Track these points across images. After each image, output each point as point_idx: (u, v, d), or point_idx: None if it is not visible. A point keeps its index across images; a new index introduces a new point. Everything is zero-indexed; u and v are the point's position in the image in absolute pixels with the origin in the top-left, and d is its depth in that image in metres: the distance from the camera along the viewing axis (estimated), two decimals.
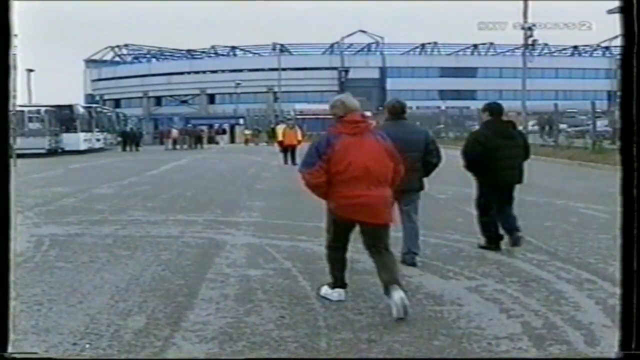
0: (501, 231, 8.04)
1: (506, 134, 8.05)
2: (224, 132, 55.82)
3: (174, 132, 48.96)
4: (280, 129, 26.91)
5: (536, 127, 36.58)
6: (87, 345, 4.57)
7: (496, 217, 8.03)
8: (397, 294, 5.13)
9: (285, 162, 24.36)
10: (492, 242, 7.97)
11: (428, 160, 7.24)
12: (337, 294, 5.71)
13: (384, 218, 5.53)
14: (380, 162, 5.43)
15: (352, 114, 5.48)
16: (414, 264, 7.11)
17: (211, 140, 54.64)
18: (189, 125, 55.78)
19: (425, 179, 7.37)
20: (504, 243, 7.95)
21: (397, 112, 7.36)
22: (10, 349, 3.24)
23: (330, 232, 5.78)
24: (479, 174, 8.10)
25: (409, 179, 6.42)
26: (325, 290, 5.81)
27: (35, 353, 4.35)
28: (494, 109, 8.21)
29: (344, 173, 5.32)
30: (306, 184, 5.49)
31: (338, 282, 5.77)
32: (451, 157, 9.80)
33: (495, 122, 8.13)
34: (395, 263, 5.73)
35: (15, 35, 2.99)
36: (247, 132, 60.15)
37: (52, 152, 36.22)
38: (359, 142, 5.38)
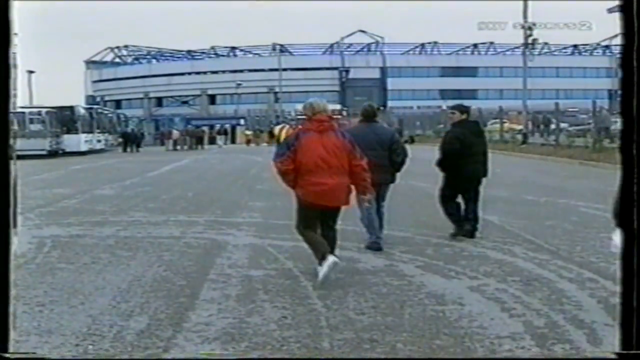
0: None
1: (477, 131, 9.01)
2: (225, 132, 55.79)
3: (175, 133, 48.96)
4: (281, 129, 26.89)
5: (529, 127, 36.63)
6: (90, 347, 4.57)
7: (460, 209, 8.74)
8: (331, 258, 6.22)
9: None
10: (462, 230, 8.62)
11: (393, 159, 8.17)
12: (329, 262, 6.24)
13: (342, 202, 6.60)
14: (339, 155, 6.40)
15: (319, 114, 6.48)
16: (379, 248, 7.98)
17: (212, 141, 54.64)
18: (190, 125, 55.81)
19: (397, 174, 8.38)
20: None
21: (369, 115, 8.40)
22: (10, 349, 3.24)
23: (300, 216, 6.63)
24: (451, 169, 8.67)
25: (380, 173, 7.71)
26: (320, 271, 6.27)
27: (34, 353, 4.35)
28: (466, 109, 8.99)
29: (308, 163, 6.31)
30: (277, 171, 6.51)
31: (323, 255, 6.32)
32: None
33: (467, 121, 8.91)
34: (336, 239, 6.75)
35: (16, 34, 2.99)
36: (248, 132, 60.17)
37: (53, 154, 36.21)
38: (322, 138, 6.39)
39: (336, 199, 6.50)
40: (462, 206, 8.85)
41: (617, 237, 4.85)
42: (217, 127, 61.48)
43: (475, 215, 8.83)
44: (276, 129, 15.67)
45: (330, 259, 6.22)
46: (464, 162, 8.55)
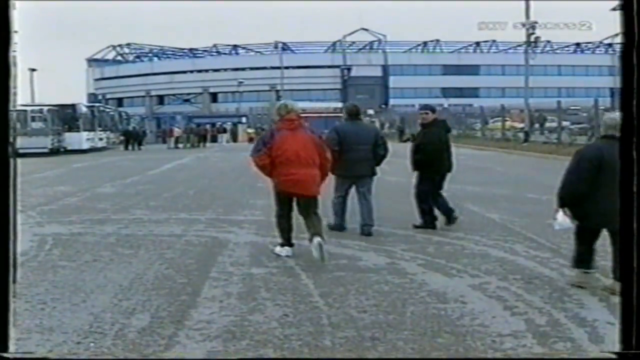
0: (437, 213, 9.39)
1: (448, 129, 9.71)
2: (224, 130, 55.78)
3: (177, 131, 48.94)
4: None
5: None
6: (91, 344, 4.58)
7: (432, 203, 9.35)
8: (316, 239, 7.02)
9: None
10: (430, 224, 9.26)
11: (377, 152, 9.08)
12: (285, 251, 7.52)
13: (312, 191, 7.41)
14: (308, 150, 7.29)
15: (290, 114, 7.39)
16: (370, 234, 8.83)
17: (213, 139, 54.66)
18: (191, 124, 55.78)
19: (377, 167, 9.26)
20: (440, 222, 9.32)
21: (354, 113, 9.35)
22: (11, 349, 3.24)
23: (277, 204, 7.60)
24: (429, 166, 9.21)
25: (364, 166, 8.93)
26: (278, 249, 7.62)
27: (32, 353, 4.35)
28: (435, 109, 9.78)
29: (282, 157, 7.19)
30: (255, 164, 7.42)
31: (286, 242, 7.59)
32: (452, 154, 9.77)
33: (438, 120, 9.61)
34: (320, 223, 7.47)
35: (16, 32, 2.98)
36: (249, 130, 60.15)
37: (55, 152, 36.20)
38: (293, 135, 7.28)
39: (306, 188, 7.34)
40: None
41: (559, 216, 6.04)
42: (219, 124, 61.49)
43: (446, 202, 9.45)
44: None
45: (315, 240, 7.05)
46: (439, 158, 9.22)
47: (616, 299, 5.38)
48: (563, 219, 6.05)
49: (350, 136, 8.89)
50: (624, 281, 3.10)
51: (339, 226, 9.12)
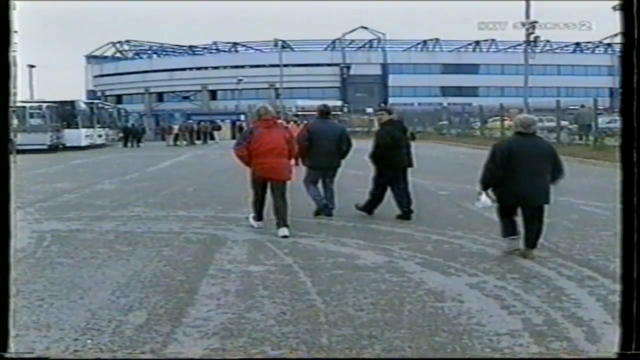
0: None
1: (403, 129, 10.55)
2: (219, 128, 55.57)
3: (176, 128, 48.87)
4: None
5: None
6: (89, 341, 4.58)
7: (393, 195, 10.19)
8: (282, 231, 8.66)
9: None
10: (365, 209, 10.29)
11: (341, 147, 10.40)
12: (257, 224, 9.27)
13: (282, 176, 9.01)
14: (279, 144, 8.92)
15: (267, 115, 9.05)
16: (330, 215, 10.20)
17: (211, 137, 54.56)
18: (189, 121, 55.66)
19: (342, 160, 10.61)
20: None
21: (324, 113, 10.83)
22: (11, 349, 3.24)
23: (253, 188, 9.23)
24: (383, 161, 10.11)
25: (330, 158, 10.31)
26: (251, 220, 9.38)
27: (32, 352, 4.35)
28: (392, 110, 10.97)
29: (258, 149, 8.80)
30: (236, 155, 9.07)
31: (258, 217, 9.31)
32: (452, 153, 9.81)
33: (393, 120, 10.49)
34: (287, 208, 8.97)
35: (16, 32, 2.98)
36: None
37: (54, 148, 36.14)
38: (269, 132, 8.91)
39: (277, 174, 8.95)
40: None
41: (482, 197, 7.35)
42: (218, 121, 61.35)
43: (408, 199, 10.14)
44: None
45: (280, 231, 8.68)
46: (392, 154, 10.04)
47: (614, 299, 5.40)
48: (485, 200, 7.41)
49: (318, 132, 10.32)
50: (624, 282, 3.10)
51: (321, 210, 10.30)
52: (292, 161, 9.56)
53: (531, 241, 7.30)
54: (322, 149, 10.16)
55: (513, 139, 7.53)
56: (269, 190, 9.07)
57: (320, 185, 10.54)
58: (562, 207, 11.60)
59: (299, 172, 10.36)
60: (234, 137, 61.15)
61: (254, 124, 9.36)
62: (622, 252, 3.11)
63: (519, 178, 7.11)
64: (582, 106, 32.40)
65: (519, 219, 7.44)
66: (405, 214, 9.98)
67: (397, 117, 11.03)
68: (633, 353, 3.07)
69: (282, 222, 8.77)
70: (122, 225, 9.80)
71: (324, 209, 10.27)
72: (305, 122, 15.78)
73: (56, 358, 4.36)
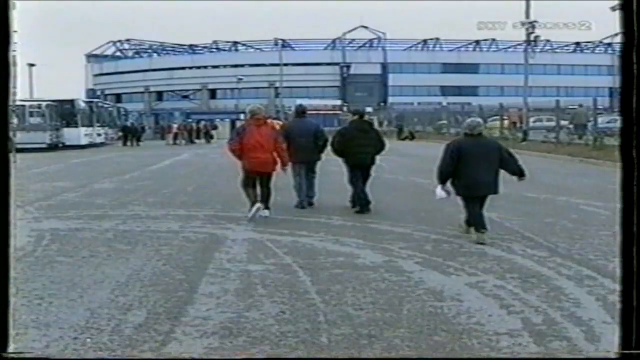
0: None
1: (362, 129, 11.24)
2: (215, 127, 55.49)
3: (175, 127, 48.87)
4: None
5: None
6: (88, 340, 4.58)
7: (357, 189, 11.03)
8: (264, 212, 10.02)
9: None
10: (354, 206, 10.93)
11: (317, 144, 11.51)
12: (253, 209, 9.94)
13: (269, 169, 10.24)
14: (268, 141, 10.12)
15: (258, 115, 10.26)
16: (311, 204, 11.41)
17: (210, 136, 54.54)
18: (189, 120, 55.64)
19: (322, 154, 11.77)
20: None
21: (300, 113, 12.23)
22: (10, 349, 3.24)
23: (244, 179, 10.31)
24: (344, 157, 11.16)
25: (309, 154, 11.40)
26: (250, 212, 9.93)
27: (32, 352, 4.34)
28: (356, 112, 12.06)
29: (249, 145, 9.98)
30: (229, 150, 10.26)
31: (252, 202, 10.06)
32: None
33: (357, 121, 11.44)
34: (270, 196, 10.34)
35: (15, 32, 2.98)
36: None
37: (54, 147, 36.12)
38: (259, 130, 10.09)
39: (265, 167, 10.16)
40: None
41: (438, 190, 8.47)
42: (217, 121, 61.32)
43: (365, 194, 10.93)
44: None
45: (256, 205, 9.93)
46: (351, 152, 10.98)
47: (613, 299, 5.40)
48: (440, 192, 8.56)
49: (295, 131, 11.54)
50: (624, 281, 3.10)
51: (301, 203, 11.34)
52: (280, 163, 10.37)
53: (481, 226, 8.29)
54: (299, 145, 11.20)
55: (463, 139, 8.70)
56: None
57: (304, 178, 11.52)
58: (561, 207, 11.62)
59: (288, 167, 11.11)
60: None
61: (247, 122, 10.56)
62: (622, 252, 3.11)
63: (469, 172, 8.29)
64: (580, 106, 32.57)
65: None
66: (365, 207, 10.80)
67: (367, 119, 12.27)
68: (633, 353, 3.07)
69: (264, 205, 10.17)
70: (122, 224, 9.80)
71: (302, 203, 11.35)
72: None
73: (56, 358, 4.36)
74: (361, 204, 10.80)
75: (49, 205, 12.01)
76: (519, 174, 8.61)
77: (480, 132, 8.69)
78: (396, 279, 6.33)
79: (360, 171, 11.04)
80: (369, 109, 73.63)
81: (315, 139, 11.49)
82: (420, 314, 5.19)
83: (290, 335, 4.67)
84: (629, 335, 3.07)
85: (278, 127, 12.80)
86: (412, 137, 46.37)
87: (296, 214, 10.65)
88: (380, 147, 11.29)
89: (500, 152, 8.54)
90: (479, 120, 9.23)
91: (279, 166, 10.37)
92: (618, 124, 3.08)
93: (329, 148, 11.57)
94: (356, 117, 11.53)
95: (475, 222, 8.33)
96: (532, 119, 38.84)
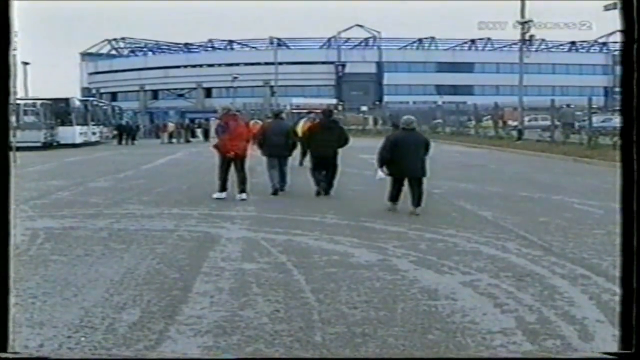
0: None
1: (326, 126, 13.27)
2: (199, 126, 55.29)
3: (171, 126, 48.78)
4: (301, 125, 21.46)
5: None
6: (82, 339, 4.57)
7: (319, 177, 13.05)
8: (240, 196, 12.27)
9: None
10: (320, 189, 12.89)
11: (288, 142, 13.59)
12: (223, 195, 12.36)
13: (243, 155, 12.47)
14: (240, 133, 12.58)
15: (231, 112, 13.02)
16: (283, 190, 13.38)
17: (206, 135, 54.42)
18: (182, 119, 55.54)
19: (295, 151, 14.30)
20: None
21: (277, 114, 14.98)
22: (10, 349, 3.23)
23: (220, 165, 12.60)
24: (310, 150, 13.67)
25: (281, 150, 13.43)
26: (217, 194, 12.39)
27: (32, 352, 4.34)
28: (324, 113, 14.29)
29: (232, 135, 12.34)
30: (220, 142, 12.53)
31: (222, 189, 12.47)
32: (446, 152, 9.85)
33: (323, 120, 13.73)
34: (245, 180, 12.51)
35: (16, 33, 2.97)
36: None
37: (48, 146, 36.01)
38: (234, 125, 12.52)
39: (239, 153, 12.39)
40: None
41: (378, 172, 10.87)
42: (212, 120, 61.14)
43: (331, 182, 12.97)
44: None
45: (238, 196, 12.30)
46: (315, 147, 13.20)
47: (607, 298, 5.42)
48: (380, 174, 10.86)
49: (270, 130, 13.71)
50: (624, 281, 3.10)
51: (275, 191, 13.23)
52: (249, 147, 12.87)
53: (415, 202, 10.48)
54: (272, 142, 13.39)
55: (399, 133, 10.97)
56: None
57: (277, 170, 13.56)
58: (555, 206, 11.64)
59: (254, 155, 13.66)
60: None
61: (224, 119, 12.83)
62: (622, 252, 3.11)
63: (402, 159, 10.50)
64: (568, 106, 32.94)
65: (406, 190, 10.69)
66: (326, 192, 12.84)
67: (333, 119, 14.56)
68: (633, 353, 3.07)
69: (242, 189, 12.40)
70: (116, 223, 9.79)
71: (277, 190, 13.24)
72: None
73: (56, 358, 4.35)
74: (327, 187, 12.93)
75: (43, 204, 11.99)
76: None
77: (414, 128, 11.00)
78: (390, 278, 6.34)
79: (322, 162, 13.05)
80: (364, 108, 73.80)
81: (287, 138, 13.60)
82: (414, 312, 5.20)
83: (285, 334, 4.67)
84: (628, 336, 3.07)
85: (258, 127, 15.31)
86: None
87: (291, 212, 10.65)
88: (341, 142, 13.12)
89: (427, 145, 10.79)
90: (413, 118, 11.40)
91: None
92: (612, 123, 3.09)
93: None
94: (324, 117, 13.89)
95: (392, 197, 10.78)
96: (527, 118, 38.90)
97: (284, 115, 15.95)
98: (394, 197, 10.72)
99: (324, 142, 12.89)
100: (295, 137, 14.04)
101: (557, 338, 4.58)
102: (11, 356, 3.16)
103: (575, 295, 5.72)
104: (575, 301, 5.51)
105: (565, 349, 4.40)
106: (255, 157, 13.70)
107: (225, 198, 12.13)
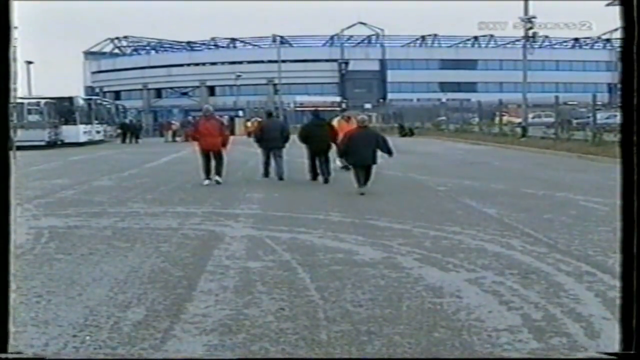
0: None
1: (317, 124, 16.01)
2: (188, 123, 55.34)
3: (175, 124, 48.81)
4: (338, 121, 20.77)
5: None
6: (87, 338, 4.57)
7: (317, 168, 15.30)
8: (216, 178, 14.85)
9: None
10: (314, 177, 15.28)
11: (282, 136, 16.21)
12: (207, 181, 14.72)
13: (216, 149, 15.03)
14: (216, 129, 15.26)
15: (207, 112, 15.81)
16: (282, 179, 15.61)
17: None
18: (189, 117, 55.53)
19: (287, 143, 16.49)
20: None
21: (270, 113, 18.75)
22: (10, 349, 3.22)
23: (201, 158, 15.12)
24: (306, 144, 15.48)
25: (273, 143, 16.11)
26: (204, 182, 14.48)
27: (32, 353, 4.33)
28: (315, 114, 17.36)
29: (201, 132, 15.11)
30: (189, 134, 21.01)
31: (206, 177, 14.81)
32: (450, 149, 9.82)
33: (314, 119, 16.62)
34: (221, 167, 15.11)
35: (16, 27, 2.96)
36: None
37: (52, 144, 36.08)
38: (209, 122, 15.33)
39: (213, 147, 14.94)
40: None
41: (337, 160, 16.23)
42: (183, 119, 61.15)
43: (327, 171, 15.06)
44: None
45: (209, 179, 14.79)
46: (309, 141, 15.31)
47: (612, 295, 5.40)
48: (338, 162, 15.62)
49: (267, 126, 16.90)
50: (624, 280, 3.08)
51: (264, 175, 16.24)
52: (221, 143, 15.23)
53: (363, 183, 12.73)
54: (268, 136, 16.29)
55: (355, 129, 13.59)
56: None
57: (272, 159, 16.31)
58: (560, 203, 11.61)
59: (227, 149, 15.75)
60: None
61: (200, 117, 16.18)
62: (622, 250, 3.09)
63: (356, 151, 12.82)
64: (565, 103, 33.13)
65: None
66: (326, 180, 14.91)
67: (325, 119, 17.51)
68: (633, 353, 3.05)
69: (216, 170, 14.95)
70: (120, 221, 9.79)
71: (266, 174, 16.27)
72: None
73: (56, 358, 4.35)
74: (326, 176, 15.01)
75: (47, 203, 12.00)
76: (388, 153, 13.11)
77: (366, 125, 13.94)
78: (395, 275, 6.32)
79: (318, 155, 15.17)
80: (368, 105, 73.71)
81: (281, 133, 16.34)
82: (419, 310, 5.18)
83: (289, 331, 4.66)
84: (628, 336, 3.05)
85: (256, 125, 17.66)
86: (410, 133, 46.39)
87: (295, 210, 10.64)
88: (332, 137, 15.18)
89: (377, 139, 13.17)
90: (366, 117, 15.08)
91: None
92: (617, 120, 3.08)
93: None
94: (314, 116, 16.93)
95: (358, 181, 12.80)
96: (530, 115, 38.81)
97: (275, 114, 19.36)
98: (359, 180, 12.79)
99: (317, 137, 15.19)
100: (334, 134, 15.38)
101: (563, 335, 4.56)
102: (11, 356, 3.15)
103: (581, 292, 5.69)
104: (580, 298, 5.49)
105: (571, 346, 4.38)
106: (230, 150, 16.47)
107: (209, 184, 14.61)
